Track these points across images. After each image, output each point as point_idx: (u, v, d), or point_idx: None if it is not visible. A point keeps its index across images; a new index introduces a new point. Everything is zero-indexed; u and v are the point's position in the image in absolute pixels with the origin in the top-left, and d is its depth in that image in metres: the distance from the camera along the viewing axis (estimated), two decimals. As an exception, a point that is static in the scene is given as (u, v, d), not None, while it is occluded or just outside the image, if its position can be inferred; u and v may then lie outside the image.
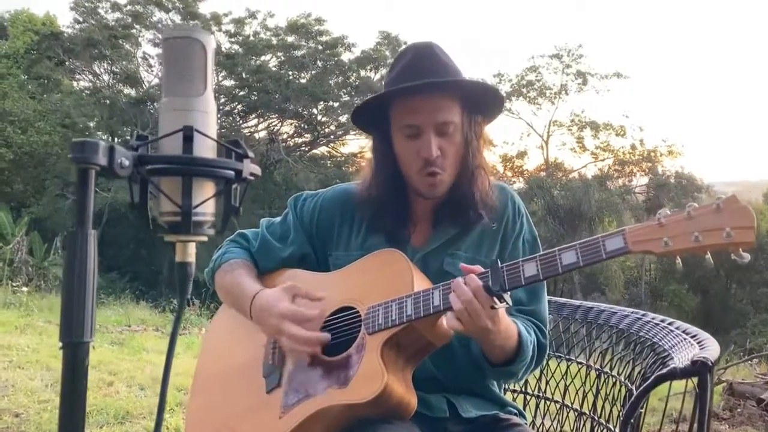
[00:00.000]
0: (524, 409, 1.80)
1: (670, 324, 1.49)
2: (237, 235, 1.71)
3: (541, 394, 1.83)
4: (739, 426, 4.67)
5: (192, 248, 0.80)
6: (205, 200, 0.79)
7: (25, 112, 23.17)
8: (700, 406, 1.13)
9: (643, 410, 1.30)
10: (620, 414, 1.47)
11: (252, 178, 0.80)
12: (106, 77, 27.60)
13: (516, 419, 1.52)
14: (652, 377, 1.18)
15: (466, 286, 1.27)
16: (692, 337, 1.35)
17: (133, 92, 26.99)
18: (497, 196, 1.56)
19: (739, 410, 5.07)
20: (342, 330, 1.44)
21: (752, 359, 7.77)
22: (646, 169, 30.13)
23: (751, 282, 28.24)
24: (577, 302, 1.86)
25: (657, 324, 1.52)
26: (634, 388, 1.46)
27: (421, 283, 1.39)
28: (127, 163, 0.73)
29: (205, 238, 0.80)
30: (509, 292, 1.29)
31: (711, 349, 1.22)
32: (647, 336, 1.52)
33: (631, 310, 1.69)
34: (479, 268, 1.32)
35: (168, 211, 0.80)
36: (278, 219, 1.70)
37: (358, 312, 1.42)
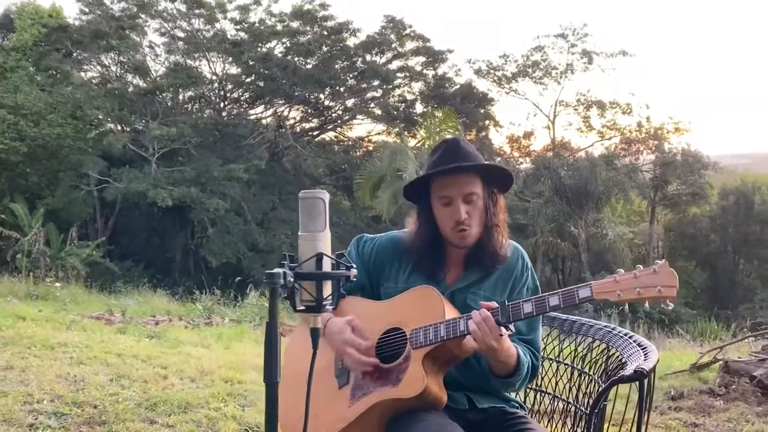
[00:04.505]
0: (525, 400, 2.33)
1: (630, 337, 1.98)
2: None
3: (537, 388, 2.35)
4: (733, 402, 4.99)
5: (320, 319, 1.38)
6: (329, 295, 1.40)
7: (37, 105, 23.00)
8: (639, 402, 1.65)
9: (606, 402, 1.82)
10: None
11: (354, 279, 1.36)
12: (114, 68, 27.52)
13: (520, 412, 2.06)
14: (608, 382, 1.71)
15: (480, 315, 1.81)
16: (642, 349, 1.86)
17: (141, 83, 26.98)
18: (511, 251, 2.08)
19: (733, 387, 5.38)
20: (393, 344, 1.96)
21: (748, 338, 8.19)
22: (653, 147, 30.07)
23: (759, 257, 28.01)
24: (563, 316, 2.37)
25: (622, 336, 2.02)
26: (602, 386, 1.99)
27: (450, 312, 1.91)
28: (291, 279, 1.33)
29: (326, 313, 1.36)
30: (512, 323, 1.82)
31: (651, 360, 1.71)
32: (613, 345, 2.02)
33: (604, 323, 2.19)
34: (494, 304, 1.84)
35: (307, 299, 1.40)
36: None
37: (404, 332, 1.94)
